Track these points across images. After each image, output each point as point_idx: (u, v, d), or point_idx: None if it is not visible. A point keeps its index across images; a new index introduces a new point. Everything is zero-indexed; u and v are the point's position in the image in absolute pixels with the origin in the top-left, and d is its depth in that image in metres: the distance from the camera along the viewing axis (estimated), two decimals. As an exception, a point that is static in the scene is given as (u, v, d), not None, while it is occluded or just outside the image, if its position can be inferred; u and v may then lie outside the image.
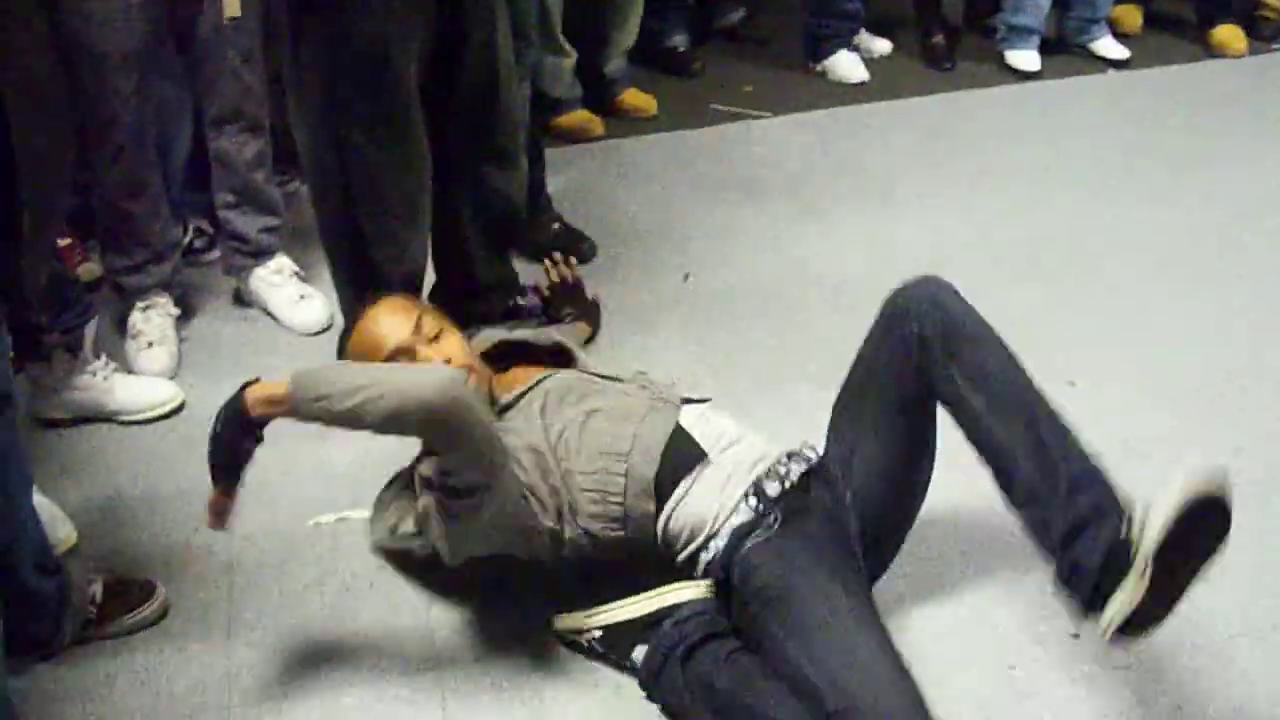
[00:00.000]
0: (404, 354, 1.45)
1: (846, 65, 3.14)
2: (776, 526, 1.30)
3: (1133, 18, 3.40)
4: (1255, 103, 2.96)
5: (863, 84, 3.09)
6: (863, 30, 3.29)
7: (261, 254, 2.10)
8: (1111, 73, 3.17)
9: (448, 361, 1.43)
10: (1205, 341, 1.99)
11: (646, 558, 1.38)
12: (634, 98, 2.92)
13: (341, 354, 1.52)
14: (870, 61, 3.24)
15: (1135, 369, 1.92)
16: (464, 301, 2.03)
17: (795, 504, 1.33)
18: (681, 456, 1.35)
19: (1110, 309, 2.09)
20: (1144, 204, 2.45)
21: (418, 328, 1.47)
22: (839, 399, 1.42)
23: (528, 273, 2.16)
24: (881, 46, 3.34)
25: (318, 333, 2.07)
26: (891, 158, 2.66)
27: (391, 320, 1.48)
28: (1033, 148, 2.72)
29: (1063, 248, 2.29)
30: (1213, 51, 3.25)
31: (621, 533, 1.36)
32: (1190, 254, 2.26)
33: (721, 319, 2.09)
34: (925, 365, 1.30)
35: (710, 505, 1.34)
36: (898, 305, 1.34)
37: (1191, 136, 2.76)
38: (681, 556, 1.36)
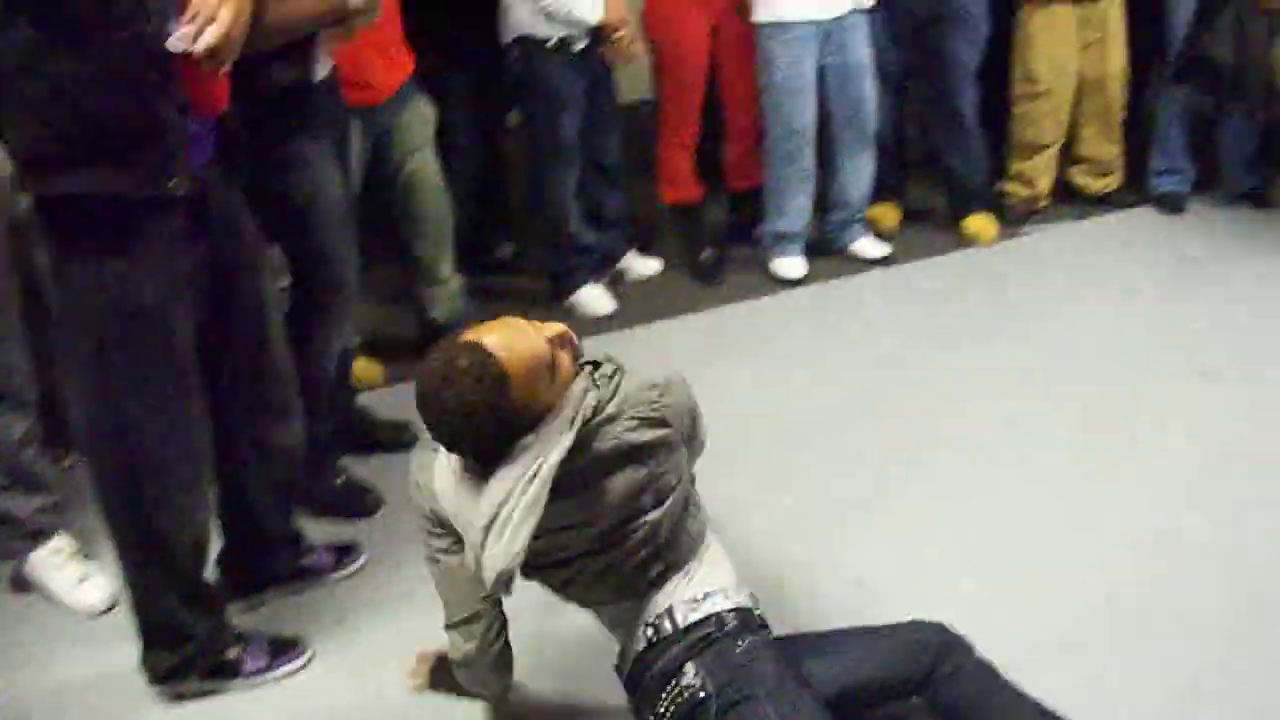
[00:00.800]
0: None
1: (592, 299, 4.10)
2: None
3: (889, 216, 4.59)
4: (1013, 284, 4.09)
5: (612, 316, 4.04)
6: (630, 251, 4.28)
7: (38, 535, 2.70)
8: (874, 271, 4.26)
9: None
10: (970, 507, 2.88)
11: None
12: (362, 369, 3.62)
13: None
14: (640, 282, 4.23)
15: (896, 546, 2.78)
16: (254, 560, 2.69)
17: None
18: None
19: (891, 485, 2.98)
20: (914, 387, 3.41)
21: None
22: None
23: (315, 529, 2.85)
24: (650, 266, 4.35)
25: (102, 613, 2.66)
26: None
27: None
28: (804, 351, 3.70)
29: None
30: (966, 241, 4.41)
31: None
32: (975, 427, 3.22)
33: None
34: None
35: None
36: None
37: (953, 321, 3.82)
38: None
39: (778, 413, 3.36)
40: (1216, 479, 2.94)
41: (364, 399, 3.41)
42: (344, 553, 2.88)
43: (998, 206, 4.58)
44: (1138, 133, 4.69)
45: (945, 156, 4.50)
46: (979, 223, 4.49)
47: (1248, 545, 2.68)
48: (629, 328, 3.96)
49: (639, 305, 4.12)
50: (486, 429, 1.91)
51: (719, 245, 4.41)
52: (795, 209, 4.25)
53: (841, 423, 3.28)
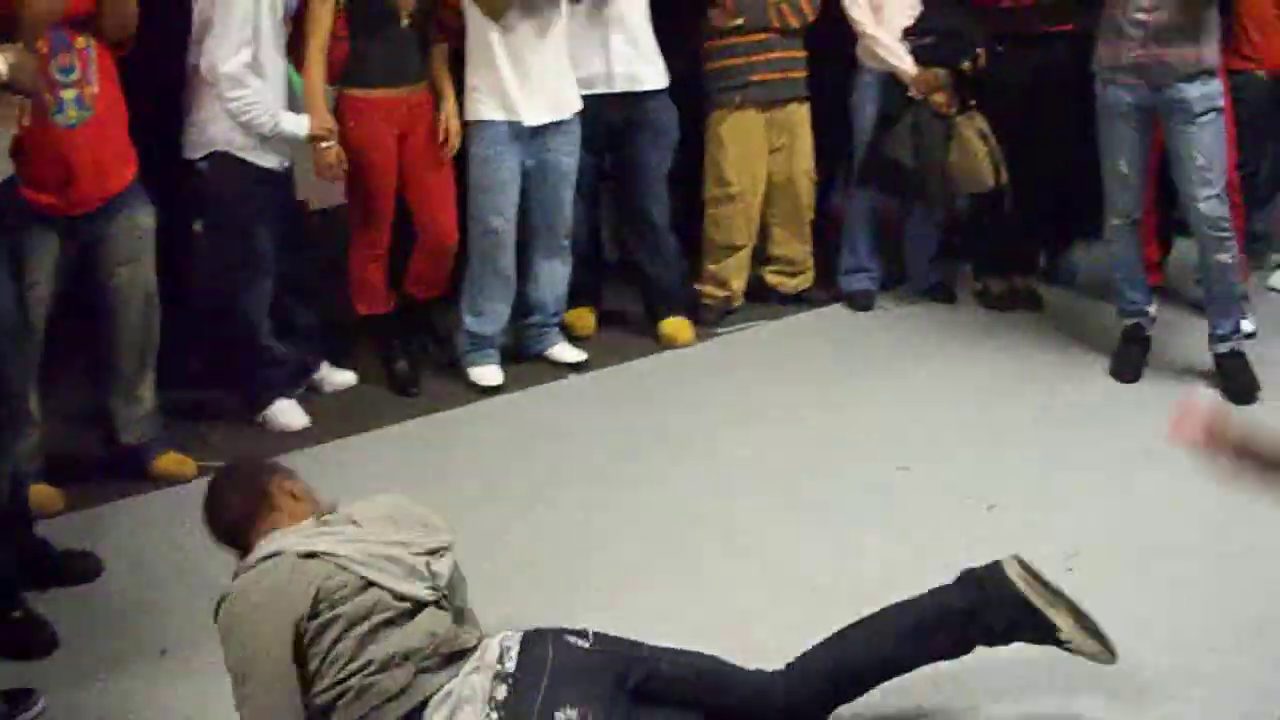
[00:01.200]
0: None
1: (286, 413, 4.59)
2: None
3: (585, 320, 5.29)
4: (709, 385, 4.79)
5: (306, 430, 4.52)
6: (323, 364, 4.79)
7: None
8: (571, 376, 4.90)
9: None
10: (660, 601, 3.49)
11: None
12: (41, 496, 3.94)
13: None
14: (333, 395, 4.74)
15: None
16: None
17: None
18: None
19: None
20: (629, 489, 4.03)
21: None
22: None
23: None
24: (344, 378, 4.86)
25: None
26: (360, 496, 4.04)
27: None
28: (503, 462, 4.26)
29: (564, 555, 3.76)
30: (664, 343, 5.12)
31: None
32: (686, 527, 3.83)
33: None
34: None
35: None
36: None
37: (651, 426, 4.47)
38: None
39: (468, 525, 3.88)
40: (918, 571, 3.55)
41: (44, 528, 3.75)
42: (18, 700, 3.01)
43: (693, 308, 5.35)
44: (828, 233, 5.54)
45: (639, 260, 5.23)
46: (674, 325, 5.24)
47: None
48: (324, 442, 4.45)
49: (334, 418, 4.63)
50: None
51: (416, 356, 4.97)
52: (492, 312, 4.86)
53: (538, 535, 3.84)
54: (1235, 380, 4.68)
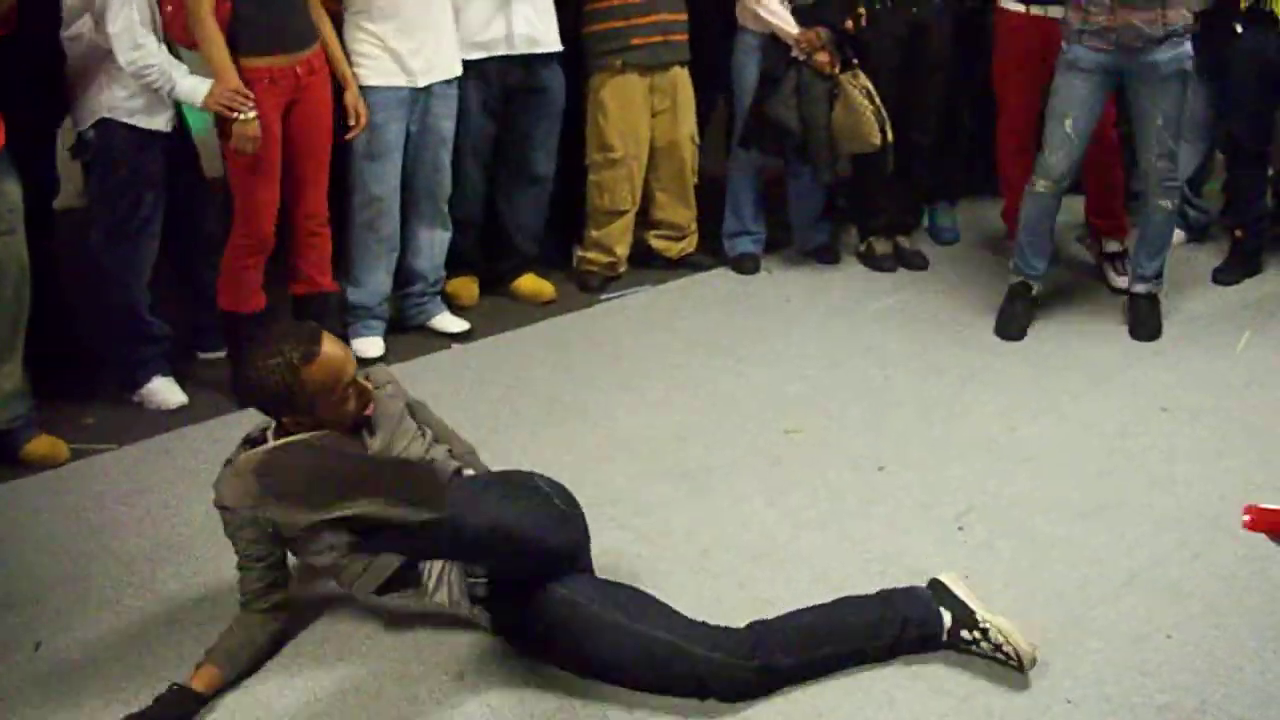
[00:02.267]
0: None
1: (162, 391, 4.50)
2: None
3: (469, 290, 5.27)
4: (595, 351, 4.80)
5: (183, 408, 4.44)
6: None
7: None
8: (455, 346, 4.88)
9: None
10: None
11: None
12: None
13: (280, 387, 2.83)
14: (213, 369, 4.66)
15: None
16: None
17: None
18: None
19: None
20: (511, 459, 3.98)
21: None
22: None
23: None
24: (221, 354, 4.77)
25: None
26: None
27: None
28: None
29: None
30: (525, 300, 5.18)
31: None
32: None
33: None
34: None
35: None
36: None
37: (538, 394, 4.47)
38: None
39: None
40: (806, 534, 3.63)
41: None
42: None
43: (577, 274, 5.37)
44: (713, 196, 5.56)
45: (507, 217, 5.21)
46: (530, 282, 5.28)
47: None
48: (203, 420, 4.38)
49: (214, 394, 4.55)
50: None
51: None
52: (374, 283, 4.81)
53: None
54: (1145, 321, 4.89)
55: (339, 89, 4.49)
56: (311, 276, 4.65)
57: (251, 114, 4.12)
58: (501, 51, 4.85)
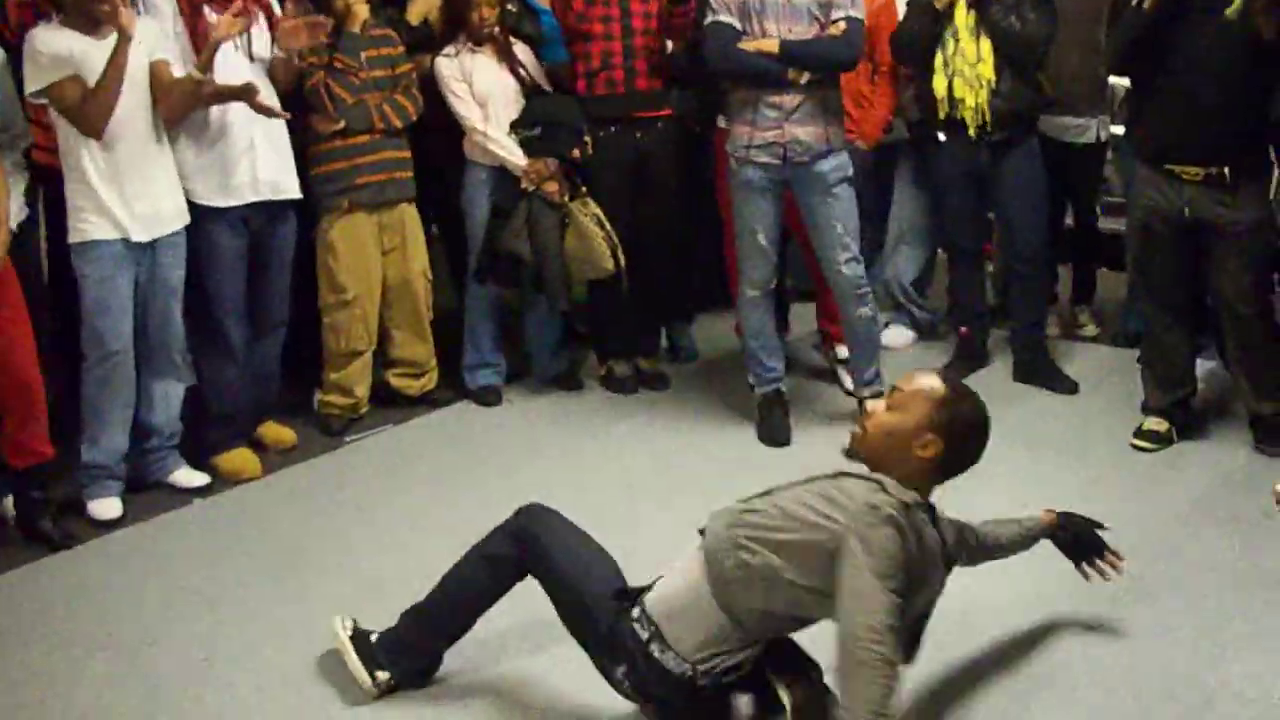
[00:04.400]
0: None
1: None
2: None
3: (283, 434, 5.27)
4: (338, 495, 4.78)
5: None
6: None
7: None
8: (196, 501, 4.81)
9: None
10: None
11: None
12: None
13: None
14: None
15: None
16: None
17: None
18: None
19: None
20: (249, 619, 3.96)
21: None
22: None
23: None
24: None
25: None
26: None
27: None
28: (125, 602, 4.12)
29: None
30: (226, 479, 5.01)
31: None
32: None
33: None
34: None
35: None
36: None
37: (280, 545, 4.42)
38: None
39: (84, 674, 3.77)
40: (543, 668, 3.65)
41: None
42: None
43: (318, 418, 5.37)
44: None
45: (207, 392, 5.07)
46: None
47: None
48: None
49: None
50: None
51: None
52: (110, 441, 4.69)
53: (153, 683, 3.69)
54: None
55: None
56: (25, 452, 4.52)
57: None
58: (249, 198, 4.84)
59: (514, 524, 3.39)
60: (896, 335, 6.26)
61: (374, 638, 3.51)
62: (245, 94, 4.68)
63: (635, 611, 3.09)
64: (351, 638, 3.52)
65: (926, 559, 2.86)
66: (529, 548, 3.31)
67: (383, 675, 3.44)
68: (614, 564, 3.34)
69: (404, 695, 3.48)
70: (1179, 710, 3.31)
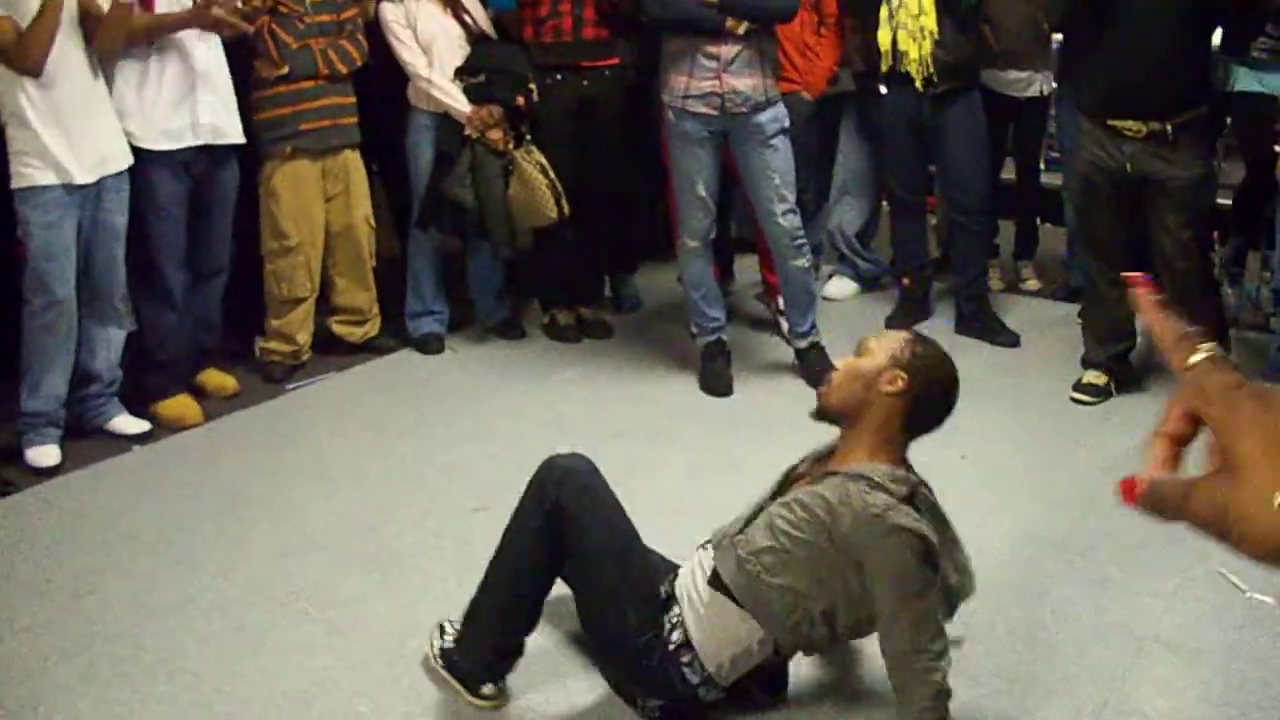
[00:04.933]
0: None
1: None
2: None
3: (225, 380, 5.23)
4: (282, 442, 4.77)
5: None
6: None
7: None
8: (135, 448, 4.78)
9: None
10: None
11: None
12: None
13: None
14: None
15: None
16: None
17: None
18: None
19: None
20: (187, 569, 3.94)
21: None
22: None
23: None
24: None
25: None
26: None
27: None
28: (73, 550, 4.10)
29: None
30: (168, 426, 4.97)
31: None
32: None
33: None
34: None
35: None
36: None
37: (216, 489, 4.40)
38: None
39: (21, 616, 3.75)
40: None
41: None
42: None
43: (260, 365, 5.35)
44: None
45: (148, 338, 5.03)
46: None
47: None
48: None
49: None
50: None
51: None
52: (50, 387, 4.64)
53: (89, 625, 3.71)
54: (817, 369, 5.07)
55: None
56: None
57: None
58: (189, 141, 4.78)
59: (550, 496, 3.17)
60: (840, 286, 6.31)
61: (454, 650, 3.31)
62: (195, 18, 4.69)
63: (687, 658, 3.01)
64: (442, 663, 3.31)
65: (939, 522, 2.88)
66: (568, 538, 3.14)
67: (488, 689, 3.23)
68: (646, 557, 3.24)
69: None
70: (1112, 658, 3.37)
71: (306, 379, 5.37)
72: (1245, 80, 5.28)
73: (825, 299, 6.13)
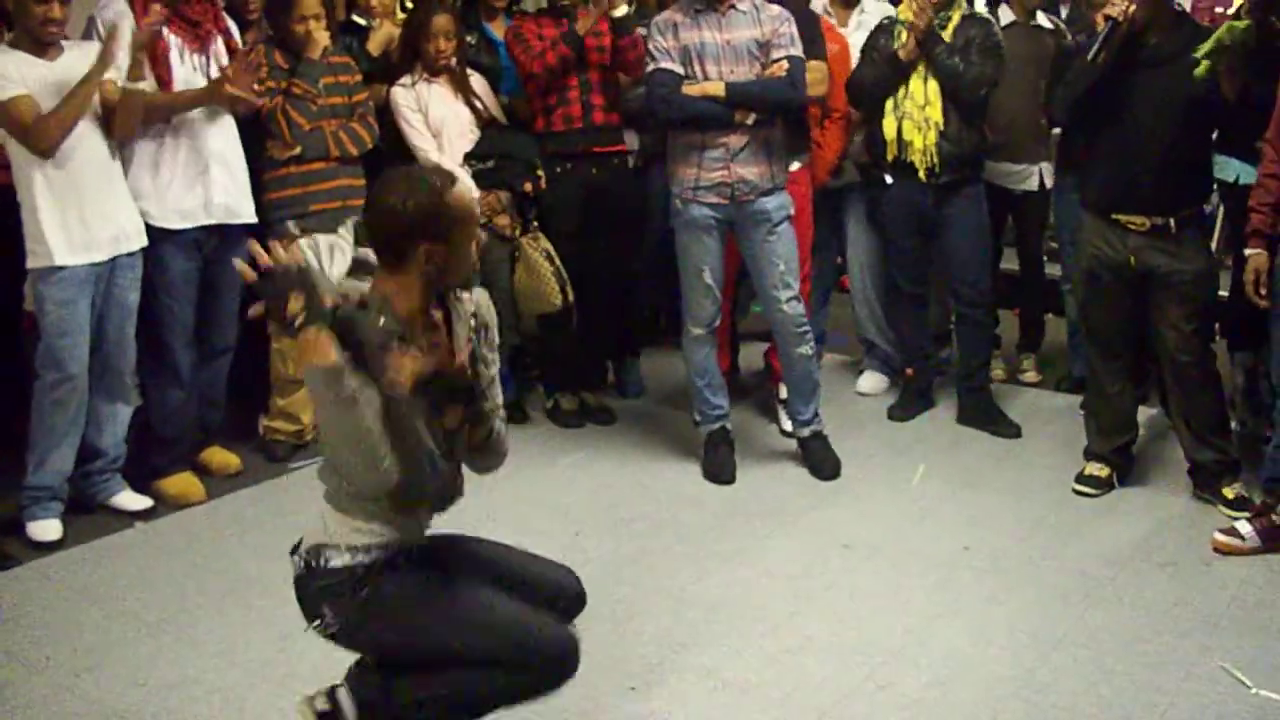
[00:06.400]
0: None
1: None
2: None
3: (228, 458, 5.23)
4: (283, 522, 4.73)
5: None
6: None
7: None
8: (138, 525, 4.76)
9: None
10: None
11: None
12: None
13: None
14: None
15: None
16: None
17: None
18: None
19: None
20: (187, 646, 3.91)
21: None
22: None
23: None
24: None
25: None
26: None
27: None
28: (61, 625, 4.07)
29: None
30: (173, 503, 4.95)
31: None
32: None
33: None
34: None
35: None
36: None
37: (212, 571, 4.38)
38: None
39: (21, 693, 3.71)
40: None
41: None
42: None
43: (264, 444, 5.34)
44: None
45: (153, 415, 5.03)
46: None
47: None
48: None
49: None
50: None
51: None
52: (57, 463, 4.62)
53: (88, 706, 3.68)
54: (822, 461, 5.13)
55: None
56: None
57: None
58: (202, 220, 4.82)
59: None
60: (872, 381, 6.24)
61: None
62: (210, 95, 4.74)
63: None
64: None
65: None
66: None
67: None
68: None
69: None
70: (1116, 753, 3.34)
71: (310, 458, 5.34)
72: (1248, 175, 5.31)
73: (859, 394, 6.14)
